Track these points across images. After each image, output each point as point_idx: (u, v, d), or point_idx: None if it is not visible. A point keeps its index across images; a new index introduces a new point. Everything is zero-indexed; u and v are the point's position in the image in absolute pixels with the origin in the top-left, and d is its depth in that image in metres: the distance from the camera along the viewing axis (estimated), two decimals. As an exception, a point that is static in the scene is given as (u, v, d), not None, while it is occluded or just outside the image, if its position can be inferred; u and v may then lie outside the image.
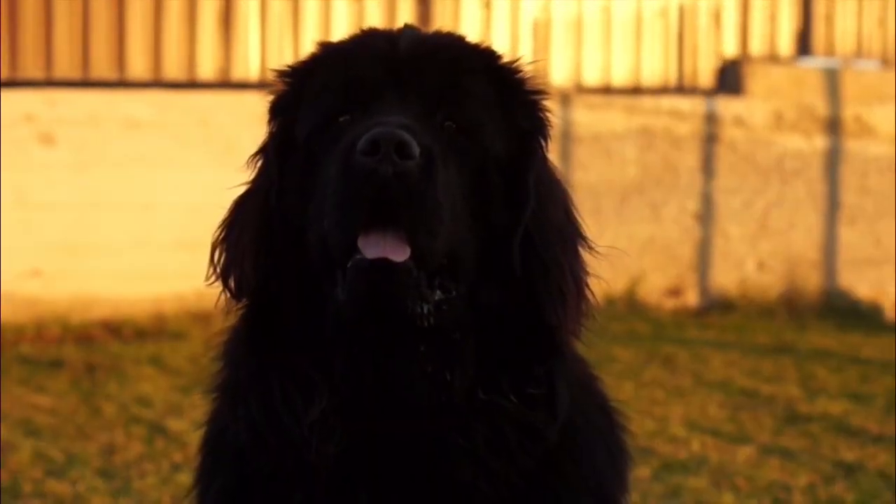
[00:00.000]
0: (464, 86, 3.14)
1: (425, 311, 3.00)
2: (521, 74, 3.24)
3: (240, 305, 3.18)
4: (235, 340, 3.22)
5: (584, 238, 3.24)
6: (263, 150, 3.25)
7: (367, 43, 3.20)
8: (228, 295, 3.18)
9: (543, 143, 3.21)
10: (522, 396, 3.08)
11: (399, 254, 2.95)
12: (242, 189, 3.27)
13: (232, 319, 3.23)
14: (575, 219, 3.25)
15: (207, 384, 3.29)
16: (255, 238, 3.14)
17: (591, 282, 3.22)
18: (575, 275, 3.16)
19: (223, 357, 3.26)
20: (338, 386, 3.04)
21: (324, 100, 3.14)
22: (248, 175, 3.26)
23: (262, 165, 3.23)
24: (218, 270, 3.19)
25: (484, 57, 3.23)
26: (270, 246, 3.13)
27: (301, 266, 3.10)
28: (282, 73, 3.26)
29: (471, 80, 3.15)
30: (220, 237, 3.22)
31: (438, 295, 3.02)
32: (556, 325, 3.10)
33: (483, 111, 3.13)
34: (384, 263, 2.94)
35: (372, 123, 3.00)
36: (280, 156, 3.18)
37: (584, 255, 3.23)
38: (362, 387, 3.04)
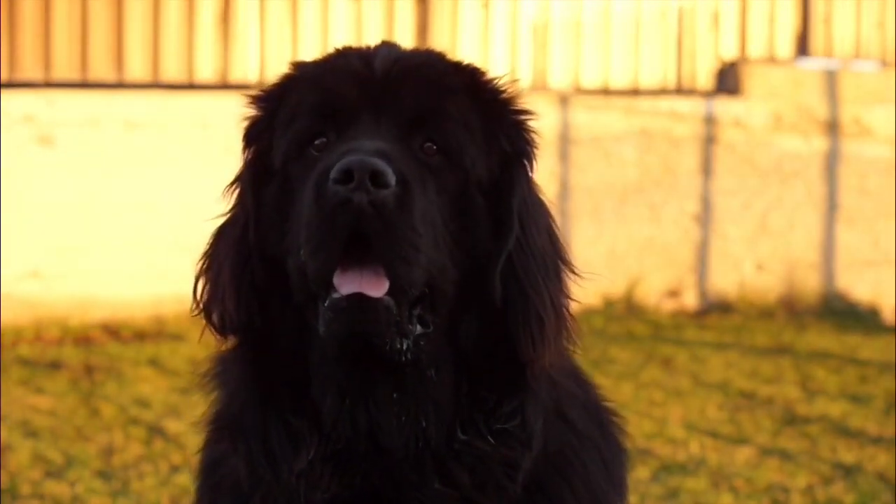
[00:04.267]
0: (443, 107, 3.05)
1: (404, 346, 2.93)
2: (504, 94, 3.15)
3: (226, 341, 3.14)
4: (230, 372, 3.17)
5: (566, 262, 3.17)
6: (239, 179, 3.17)
7: (342, 63, 3.11)
8: (213, 330, 3.12)
9: (528, 167, 3.13)
10: (497, 433, 3.03)
11: (376, 289, 2.89)
12: (221, 219, 3.20)
13: (222, 346, 3.18)
14: (558, 242, 3.18)
15: (202, 415, 3.26)
16: (234, 273, 3.08)
17: (573, 305, 3.15)
18: (555, 305, 3.08)
19: (217, 387, 3.22)
20: (327, 435, 3.01)
21: (298, 123, 3.06)
22: (226, 205, 3.19)
23: (239, 195, 3.16)
24: (201, 305, 3.14)
25: (465, 75, 3.13)
26: (251, 280, 3.07)
27: (283, 298, 3.04)
28: (254, 98, 3.17)
29: (451, 100, 3.06)
30: (202, 269, 3.16)
31: (418, 329, 2.96)
32: (531, 360, 3.03)
33: (464, 133, 3.05)
34: (361, 301, 2.88)
35: (346, 150, 2.92)
36: (256, 184, 3.10)
37: (566, 279, 3.15)
38: (347, 432, 3.00)
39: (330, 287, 2.91)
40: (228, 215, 3.18)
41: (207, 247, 3.19)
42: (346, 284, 2.90)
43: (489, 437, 3.02)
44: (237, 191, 3.18)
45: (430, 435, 3.00)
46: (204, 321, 3.14)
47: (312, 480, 3.01)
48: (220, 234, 3.18)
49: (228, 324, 3.08)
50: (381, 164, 2.87)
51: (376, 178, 2.86)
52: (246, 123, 3.18)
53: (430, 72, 3.10)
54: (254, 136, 3.16)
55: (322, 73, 3.12)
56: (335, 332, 2.92)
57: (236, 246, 3.10)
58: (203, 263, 3.17)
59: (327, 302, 2.91)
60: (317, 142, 3.04)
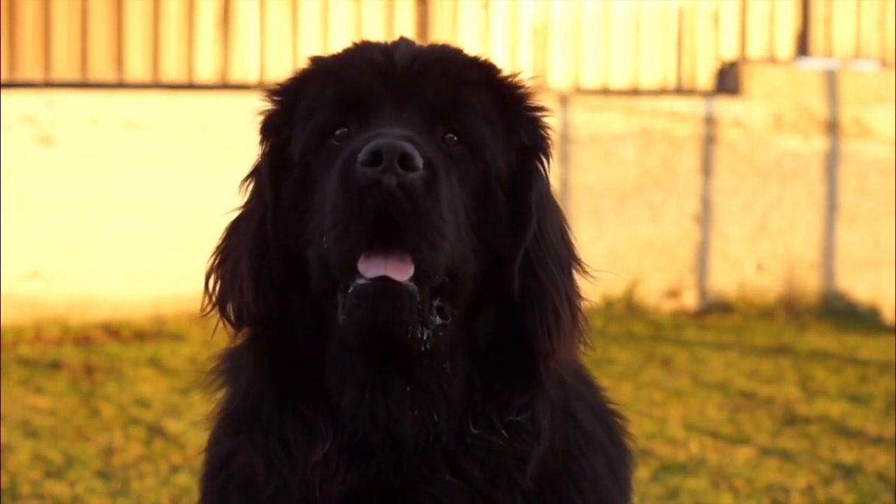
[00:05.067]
0: (464, 98, 3.07)
1: (424, 336, 2.93)
2: (522, 89, 3.17)
3: (241, 333, 3.13)
4: (242, 367, 3.16)
5: (578, 261, 3.19)
6: (256, 172, 3.17)
7: (362, 55, 3.13)
8: (227, 323, 3.11)
9: (546, 162, 3.15)
10: (509, 426, 3.04)
11: (401, 273, 2.89)
12: (235, 213, 3.19)
13: (232, 342, 3.17)
14: (570, 242, 3.20)
15: (211, 411, 3.25)
16: (252, 265, 3.07)
17: (584, 305, 3.17)
18: (570, 300, 3.11)
19: (226, 383, 3.21)
20: (343, 427, 3.01)
21: (319, 115, 3.06)
22: (240, 198, 3.18)
23: (255, 188, 3.16)
24: (214, 299, 3.12)
25: (483, 70, 3.16)
26: (269, 271, 3.06)
27: (302, 290, 3.04)
28: (271, 92, 3.18)
29: (471, 92, 3.09)
30: (215, 264, 3.15)
31: (438, 320, 2.97)
32: (546, 353, 3.05)
33: (485, 125, 3.07)
34: (386, 286, 2.88)
35: (372, 135, 2.92)
36: (274, 177, 3.10)
37: (578, 279, 3.17)
38: (366, 424, 3.00)
39: (354, 274, 2.90)
40: (243, 209, 3.18)
41: (220, 241, 3.19)
42: (372, 269, 2.89)
43: (502, 430, 3.03)
44: (253, 184, 3.17)
45: (441, 429, 3.00)
46: (217, 315, 3.12)
47: (328, 472, 3.01)
48: (235, 228, 3.17)
49: (246, 316, 3.08)
50: (410, 147, 2.88)
51: (405, 160, 2.87)
52: (262, 118, 3.18)
53: (450, 65, 3.13)
54: (271, 129, 3.16)
55: (342, 65, 3.13)
56: (358, 320, 2.91)
57: (254, 238, 3.09)
58: (216, 258, 3.16)
59: (351, 288, 2.90)
60: (338, 132, 3.05)
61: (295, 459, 3.02)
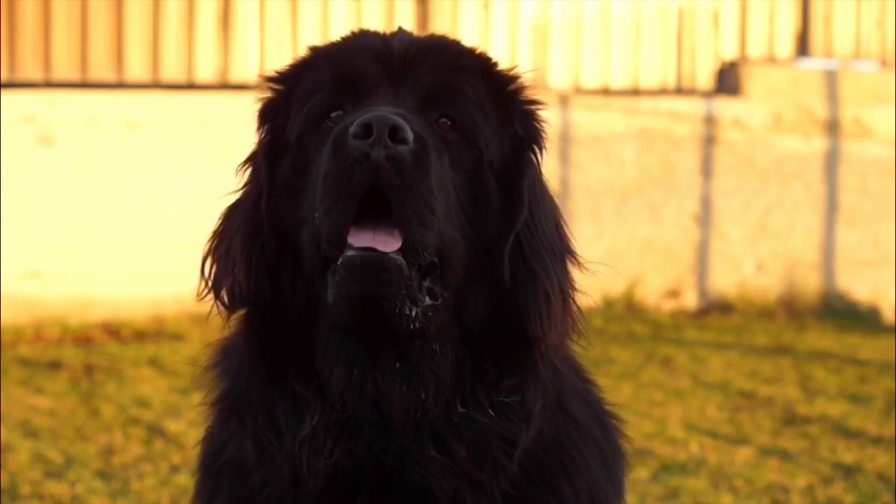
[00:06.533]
0: (459, 85, 3.11)
1: (413, 313, 2.96)
2: (518, 82, 3.22)
3: (235, 316, 3.15)
4: (234, 352, 3.18)
5: (572, 253, 3.21)
6: (253, 158, 3.21)
7: (360, 41, 3.18)
8: (221, 307, 3.13)
9: (539, 153, 3.19)
10: (497, 406, 3.06)
11: (389, 244, 2.91)
12: (232, 199, 3.22)
13: (227, 331, 3.18)
14: (565, 233, 3.22)
15: (204, 399, 3.25)
16: (246, 245, 3.10)
17: (579, 297, 3.18)
18: (562, 287, 3.12)
19: (221, 373, 3.22)
20: (332, 403, 3.03)
21: (316, 98, 3.10)
22: (237, 184, 3.21)
23: (252, 172, 3.19)
24: (210, 283, 3.14)
25: (479, 60, 3.21)
26: (262, 252, 3.09)
27: (294, 271, 3.06)
28: (270, 79, 3.22)
29: (466, 79, 3.13)
30: (211, 248, 3.18)
31: (427, 300, 2.98)
32: (537, 337, 3.06)
33: (478, 111, 3.11)
34: (374, 257, 2.90)
35: (365, 111, 2.96)
36: (270, 160, 3.13)
37: (573, 271, 3.19)
38: (354, 402, 3.02)
39: (343, 247, 2.92)
40: (240, 194, 3.21)
41: (217, 226, 3.21)
42: (360, 240, 2.92)
43: (489, 409, 3.05)
44: (249, 169, 3.21)
45: (429, 406, 3.02)
46: (212, 300, 3.14)
47: (315, 447, 3.02)
48: (231, 213, 3.21)
49: (238, 296, 3.10)
50: (401, 121, 2.92)
51: (395, 133, 2.91)
52: (260, 104, 3.22)
53: (447, 52, 3.17)
54: (269, 114, 3.20)
55: (340, 51, 3.17)
56: (346, 293, 2.93)
57: (248, 219, 3.13)
58: (212, 242, 3.19)
59: (340, 261, 2.92)
60: (333, 115, 3.08)
61: (283, 435, 3.04)
